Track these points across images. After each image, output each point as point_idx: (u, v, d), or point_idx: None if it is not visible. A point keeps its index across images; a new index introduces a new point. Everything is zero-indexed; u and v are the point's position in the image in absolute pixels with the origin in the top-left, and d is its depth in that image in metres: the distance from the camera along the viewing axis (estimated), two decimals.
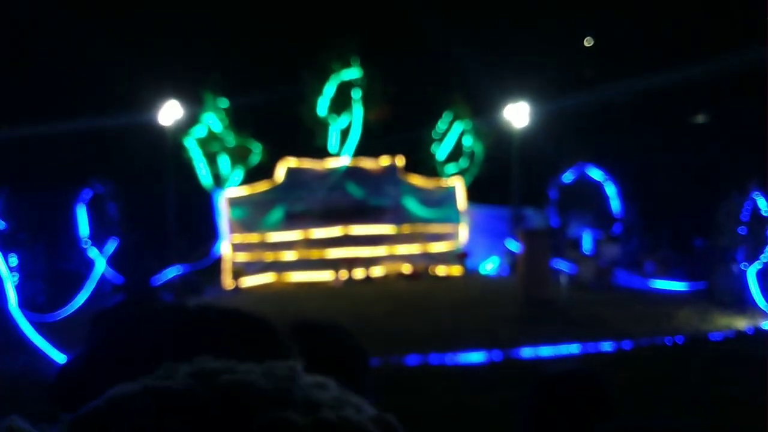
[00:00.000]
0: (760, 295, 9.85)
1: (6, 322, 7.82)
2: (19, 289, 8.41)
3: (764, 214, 10.24)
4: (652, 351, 7.61)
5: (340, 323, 1.55)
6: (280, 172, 13.61)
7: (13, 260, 8.90)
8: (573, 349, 7.65)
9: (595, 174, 13.90)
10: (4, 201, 8.72)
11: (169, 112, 12.99)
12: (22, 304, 8.20)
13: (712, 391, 6.18)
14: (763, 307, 9.67)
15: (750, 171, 10.51)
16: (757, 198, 10.36)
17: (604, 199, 13.77)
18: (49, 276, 10.57)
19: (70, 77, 15.22)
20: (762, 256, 10.10)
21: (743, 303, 9.95)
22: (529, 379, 5.59)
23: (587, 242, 12.89)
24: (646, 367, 6.92)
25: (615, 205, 13.66)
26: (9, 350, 7.71)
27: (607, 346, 7.74)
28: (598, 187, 13.85)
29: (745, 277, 10.08)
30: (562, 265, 12.40)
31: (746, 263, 10.16)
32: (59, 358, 7.32)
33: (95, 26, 15.21)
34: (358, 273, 13.62)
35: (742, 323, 9.05)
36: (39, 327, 8.09)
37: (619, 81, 17.10)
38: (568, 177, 14.01)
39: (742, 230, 10.39)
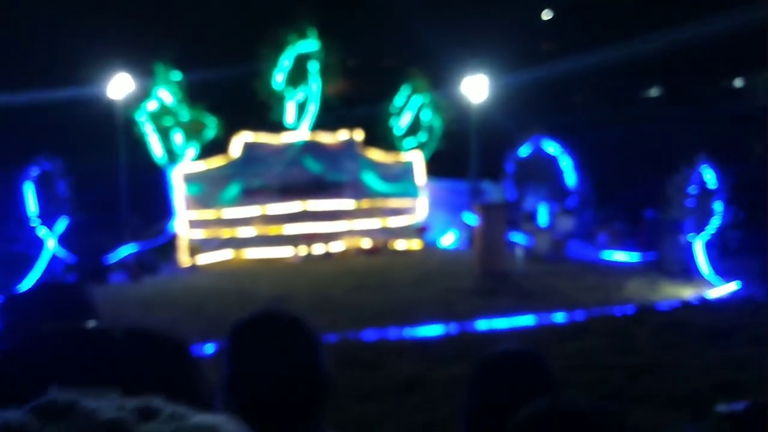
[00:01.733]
0: (706, 265, 10.22)
1: None
2: None
3: (711, 187, 10.57)
4: (603, 321, 7.84)
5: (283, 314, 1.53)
6: (236, 147, 13.37)
7: None
8: (527, 320, 7.82)
9: (551, 147, 14.09)
10: None
11: (120, 85, 12.58)
12: None
13: (660, 358, 6.41)
14: (708, 277, 10.04)
15: (699, 144, 10.82)
16: (704, 171, 10.67)
17: (560, 172, 13.98)
18: None
19: (15, 47, 14.57)
20: (708, 227, 10.46)
21: (690, 273, 10.32)
22: (485, 352, 5.68)
23: (543, 215, 13.11)
24: (597, 337, 7.13)
25: (570, 178, 13.89)
26: None
27: (560, 317, 7.94)
28: (553, 160, 14.05)
29: (692, 248, 10.43)
30: (518, 237, 12.60)
31: (693, 234, 10.51)
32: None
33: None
34: (317, 249, 13.58)
35: (688, 292, 9.39)
36: None
37: (576, 55, 17.28)
38: (524, 150, 14.16)
39: (690, 202, 10.71)
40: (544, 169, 13.83)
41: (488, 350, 1.68)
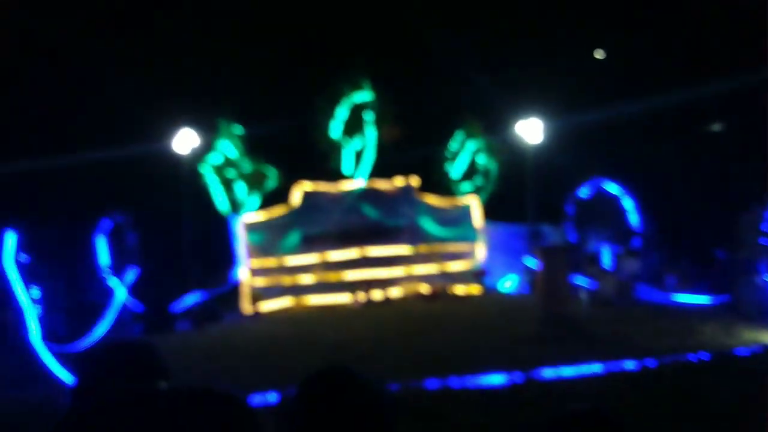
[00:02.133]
0: None
1: (28, 354, 7.89)
2: (41, 320, 8.49)
3: None
4: (676, 368, 7.48)
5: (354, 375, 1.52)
6: (295, 196, 13.69)
7: (35, 292, 9.00)
8: (595, 368, 7.53)
9: (612, 188, 13.80)
10: (24, 234, 8.84)
11: (185, 140, 13.17)
12: (44, 336, 8.27)
13: (740, 408, 6.04)
14: None
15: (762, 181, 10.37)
16: None
17: (622, 213, 13.65)
18: (70, 307, 10.68)
19: (85, 107, 15.48)
20: None
21: None
22: (551, 401, 5.49)
23: (606, 257, 12.76)
24: (671, 385, 6.80)
25: (633, 218, 13.53)
26: (31, 381, 7.77)
27: (630, 365, 7.62)
28: (615, 201, 13.74)
29: None
30: (581, 281, 12.27)
31: None
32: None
33: (110, 54, 15.48)
34: (376, 294, 13.59)
35: None
36: (60, 358, 8.15)
37: (633, 93, 17.02)
38: (584, 192, 13.92)
39: (763, 241, 10.22)
40: (605, 210, 13.53)
41: (554, 409, 1.62)
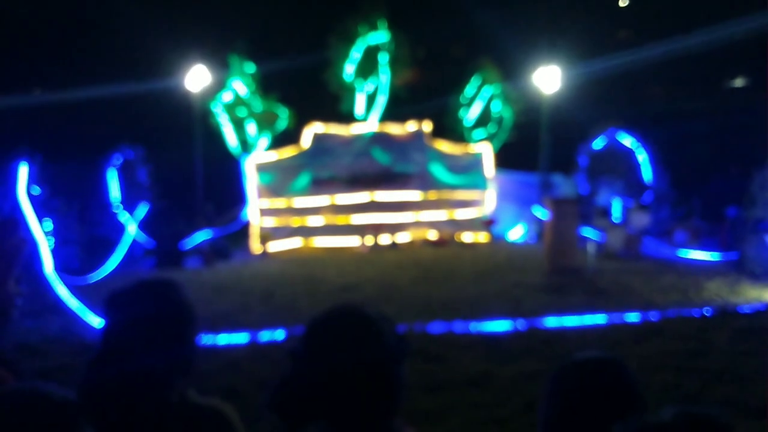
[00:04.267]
0: None
1: (43, 286, 8.06)
2: (55, 253, 8.63)
3: None
4: (679, 323, 7.55)
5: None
6: (306, 138, 13.61)
7: (48, 225, 9.11)
8: (599, 319, 7.62)
9: (627, 140, 13.61)
10: (38, 168, 8.89)
11: (196, 78, 13.02)
12: (58, 268, 8.42)
13: (739, 364, 6.12)
14: None
15: None
16: None
17: (635, 166, 13.51)
18: (82, 240, 10.82)
19: (98, 43, 15.29)
20: None
21: None
22: (554, 350, 5.56)
23: (617, 210, 12.71)
24: (673, 339, 6.87)
25: (646, 172, 13.40)
26: (46, 313, 7.96)
27: (633, 317, 7.69)
28: (628, 154, 13.57)
29: None
30: (590, 233, 12.27)
31: None
32: (93, 319, 7.55)
33: None
34: (384, 239, 13.67)
35: None
36: (74, 290, 8.32)
37: (654, 43, 16.57)
38: (598, 143, 13.75)
39: None
40: (618, 163, 13.39)
41: (557, 358, 1.63)
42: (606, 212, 12.73)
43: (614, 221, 12.60)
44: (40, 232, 8.34)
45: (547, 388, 1.57)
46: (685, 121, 15.70)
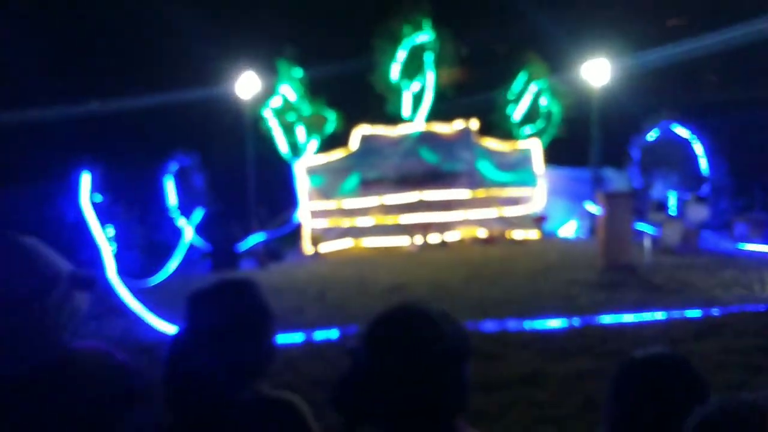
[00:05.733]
0: None
1: (106, 290, 8.39)
2: (117, 257, 8.97)
3: None
4: (742, 318, 7.30)
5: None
6: (354, 140, 13.74)
7: (110, 231, 9.48)
8: (657, 316, 7.44)
9: (682, 131, 13.23)
10: (100, 176, 9.26)
11: (247, 84, 13.32)
12: (120, 272, 8.75)
13: None
14: None
15: None
16: None
17: (691, 157, 13.12)
18: (142, 245, 11.22)
19: (153, 55, 15.79)
20: None
21: None
22: (610, 348, 5.46)
23: (673, 203, 12.37)
24: (737, 336, 6.66)
25: (703, 164, 12.99)
26: (109, 316, 8.29)
27: (693, 314, 7.48)
28: (684, 145, 13.19)
29: None
30: (645, 227, 11.98)
31: None
32: (155, 321, 7.82)
33: (173, 1, 15.63)
34: (433, 238, 13.68)
35: None
36: (135, 293, 8.64)
37: (707, 30, 16.03)
38: (651, 135, 13.40)
39: None
40: (673, 155, 13.03)
41: (614, 355, 1.62)
42: (662, 206, 12.41)
43: (670, 215, 12.27)
44: (103, 238, 8.68)
45: (611, 387, 1.57)
46: (744, 110, 15.13)
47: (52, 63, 14.29)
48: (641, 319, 7.36)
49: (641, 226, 11.85)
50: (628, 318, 7.39)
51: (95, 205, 8.80)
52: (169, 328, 7.23)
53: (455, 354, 1.45)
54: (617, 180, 13.69)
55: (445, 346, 1.43)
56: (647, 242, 11.22)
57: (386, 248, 13.46)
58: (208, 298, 1.64)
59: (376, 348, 1.44)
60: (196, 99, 14.25)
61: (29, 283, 1.40)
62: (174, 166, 12.66)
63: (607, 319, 7.40)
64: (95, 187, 9.07)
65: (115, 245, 9.49)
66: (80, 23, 15.75)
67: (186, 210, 12.53)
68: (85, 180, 8.82)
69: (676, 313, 7.50)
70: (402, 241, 13.65)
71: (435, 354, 1.41)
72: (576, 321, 7.34)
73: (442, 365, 1.42)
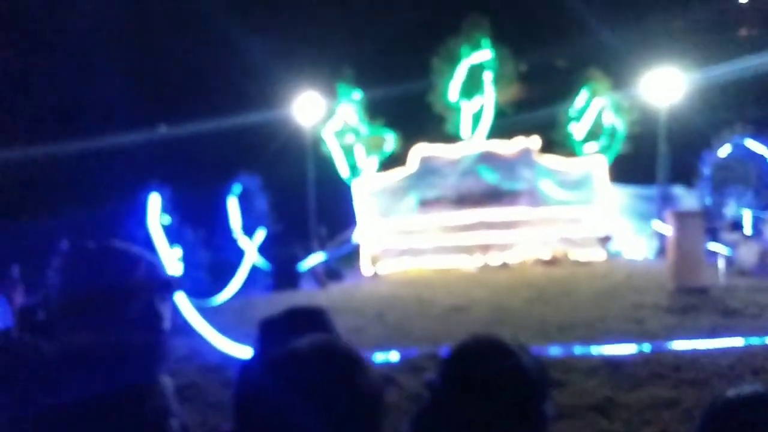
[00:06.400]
0: None
1: (173, 309, 8.63)
2: (183, 277, 9.22)
3: None
4: None
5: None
6: (413, 160, 13.75)
7: (177, 251, 9.77)
8: (734, 342, 7.05)
9: (756, 146, 12.62)
10: (168, 198, 9.58)
11: (307, 106, 13.57)
12: (186, 292, 8.98)
13: None
14: None
15: None
16: None
17: (766, 174, 12.49)
18: (207, 265, 11.51)
19: (217, 79, 16.32)
20: None
21: None
22: (685, 376, 5.18)
23: (748, 223, 11.78)
24: None
25: None
26: (175, 334, 8.50)
27: None
28: (758, 161, 12.58)
29: None
30: (718, 248, 11.44)
31: None
32: (221, 341, 7.96)
33: (234, 26, 16.15)
34: (494, 258, 13.47)
35: None
36: (201, 312, 8.84)
37: None
38: (723, 151, 12.85)
39: None
40: (747, 171, 12.45)
41: (689, 383, 1.51)
42: (736, 225, 11.84)
43: (745, 234, 11.68)
44: (170, 258, 8.95)
45: (700, 428, 1.47)
46: None
47: (125, 89, 14.98)
48: (717, 346, 6.99)
49: (714, 247, 11.32)
50: (703, 344, 7.03)
51: (164, 227, 9.09)
52: (234, 349, 7.34)
53: (536, 391, 1.40)
54: (687, 198, 13.17)
55: (526, 382, 1.39)
56: (721, 263, 10.70)
57: (445, 269, 13.33)
58: (277, 326, 1.62)
59: (456, 385, 1.41)
60: (259, 122, 14.62)
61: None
62: (238, 188, 12.97)
63: (679, 345, 7.06)
64: (163, 209, 9.38)
65: (182, 265, 9.76)
66: (151, 50, 16.46)
67: (249, 230, 12.80)
68: (154, 201, 9.13)
69: (755, 340, 7.09)
70: (461, 261, 13.50)
71: (515, 391, 1.37)
72: (646, 347, 7.03)
73: (523, 404, 1.38)
